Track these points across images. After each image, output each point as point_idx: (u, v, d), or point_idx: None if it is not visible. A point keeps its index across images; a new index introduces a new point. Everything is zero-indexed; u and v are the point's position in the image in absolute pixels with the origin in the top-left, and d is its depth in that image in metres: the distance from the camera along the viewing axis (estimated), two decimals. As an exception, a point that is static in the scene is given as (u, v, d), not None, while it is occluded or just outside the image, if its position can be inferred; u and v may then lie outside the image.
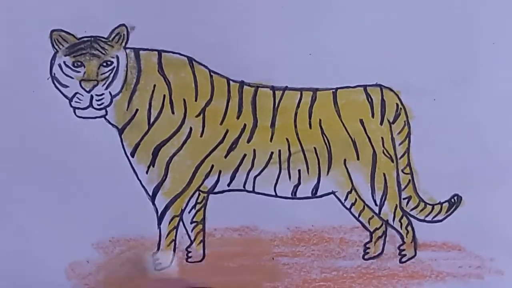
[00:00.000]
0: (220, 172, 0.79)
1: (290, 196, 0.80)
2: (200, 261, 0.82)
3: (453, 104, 0.79)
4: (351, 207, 0.81)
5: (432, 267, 0.83)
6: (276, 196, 0.80)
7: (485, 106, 0.79)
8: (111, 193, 0.79)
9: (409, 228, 0.81)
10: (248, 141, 0.78)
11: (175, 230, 0.81)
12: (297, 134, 0.79)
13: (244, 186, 0.79)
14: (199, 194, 0.80)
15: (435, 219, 0.81)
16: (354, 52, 0.78)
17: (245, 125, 0.78)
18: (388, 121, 0.80)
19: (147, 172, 0.78)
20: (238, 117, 0.78)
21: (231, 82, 0.78)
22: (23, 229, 0.79)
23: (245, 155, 0.79)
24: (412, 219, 0.81)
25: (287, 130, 0.79)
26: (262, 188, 0.80)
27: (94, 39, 0.75)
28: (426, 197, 0.81)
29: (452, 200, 0.81)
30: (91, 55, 0.75)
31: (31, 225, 0.79)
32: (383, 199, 0.80)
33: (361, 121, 0.79)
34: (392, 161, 0.80)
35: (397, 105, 0.79)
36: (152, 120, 0.78)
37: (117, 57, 0.76)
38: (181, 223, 0.81)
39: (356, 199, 0.80)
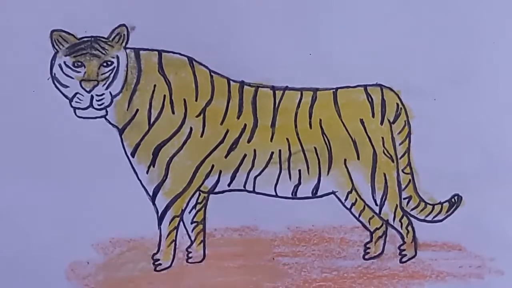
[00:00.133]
0: (220, 172, 0.79)
1: (290, 196, 0.80)
2: (201, 261, 0.81)
3: (453, 104, 0.79)
4: (351, 207, 0.81)
5: (433, 267, 0.83)
6: (276, 196, 0.80)
7: (485, 106, 0.79)
8: (111, 193, 0.79)
9: (410, 228, 0.81)
10: (249, 141, 0.78)
11: (175, 231, 0.80)
12: (297, 134, 0.79)
13: (244, 186, 0.79)
14: (199, 194, 0.80)
15: (436, 219, 0.81)
16: (354, 52, 0.78)
17: (245, 125, 0.78)
18: (389, 121, 0.80)
19: (147, 172, 0.78)
20: (238, 117, 0.78)
21: (231, 82, 0.78)
22: (23, 229, 0.79)
23: (245, 155, 0.79)
24: (412, 219, 0.81)
25: (288, 130, 0.79)
26: (263, 188, 0.80)
27: (94, 39, 0.75)
28: (426, 197, 0.81)
29: (452, 200, 0.81)
30: (91, 55, 0.75)
31: (31, 225, 0.79)
32: (383, 199, 0.80)
33: (362, 121, 0.79)
34: (393, 161, 0.80)
35: (398, 105, 0.79)
36: (152, 120, 0.78)
37: (118, 57, 0.76)
38: (181, 223, 0.81)
39: (356, 199, 0.80)
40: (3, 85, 0.76)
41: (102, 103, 0.76)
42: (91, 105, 0.75)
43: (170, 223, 0.80)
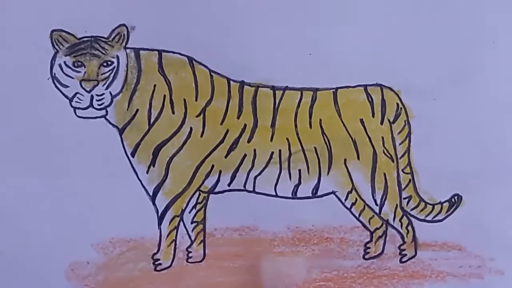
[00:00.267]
0: (220, 172, 0.79)
1: (290, 196, 0.80)
2: (201, 261, 0.81)
3: (453, 104, 0.79)
4: (351, 207, 0.81)
5: (433, 267, 0.83)
6: (276, 196, 0.80)
7: (485, 106, 0.79)
8: (111, 193, 0.79)
9: (410, 227, 0.82)
10: (249, 141, 0.78)
11: (175, 230, 0.80)
12: (297, 134, 0.79)
13: (244, 186, 0.79)
14: (199, 194, 0.80)
15: (436, 219, 0.81)
16: (354, 52, 0.78)
17: (245, 125, 0.78)
18: (389, 120, 0.80)
19: (147, 172, 0.78)
20: (238, 117, 0.78)
21: (231, 82, 0.78)
22: (23, 229, 0.79)
23: (245, 155, 0.79)
24: (412, 219, 0.81)
25: (288, 130, 0.79)
26: (263, 188, 0.80)
27: (94, 39, 0.75)
28: (426, 197, 0.81)
29: (452, 200, 0.81)
30: (91, 55, 0.75)
31: (31, 225, 0.79)
32: (383, 199, 0.81)
33: (362, 121, 0.79)
34: (393, 160, 0.80)
35: (398, 104, 0.79)
36: (152, 120, 0.78)
37: (118, 57, 0.76)
38: (181, 223, 0.81)
39: (356, 199, 0.80)
40: (3, 85, 0.76)
41: (102, 103, 0.76)
42: (91, 105, 0.75)
43: (170, 223, 0.80)
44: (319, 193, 0.80)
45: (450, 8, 0.77)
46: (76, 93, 0.75)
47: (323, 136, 0.79)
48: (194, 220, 0.81)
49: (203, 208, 0.80)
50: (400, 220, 0.81)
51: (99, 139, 0.78)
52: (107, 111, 0.76)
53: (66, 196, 0.79)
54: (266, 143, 0.79)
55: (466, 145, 0.80)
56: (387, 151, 0.80)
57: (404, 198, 0.81)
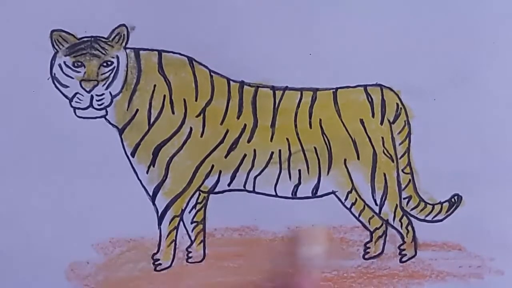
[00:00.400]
0: (220, 172, 0.79)
1: (290, 196, 0.80)
2: (201, 261, 0.81)
3: (453, 104, 0.79)
4: (351, 207, 0.81)
5: (433, 266, 0.83)
6: (276, 196, 0.80)
7: (485, 106, 0.79)
8: (111, 193, 0.79)
9: (409, 227, 0.82)
10: (249, 141, 0.78)
11: (175, 230, 0.81)
12: (297, 134, 0.79)
13: (244, 186, 0.79)
14: (199, 194, 0.80)
15: (435, 219, 0.81)
16: (354, 52, 0.78)
17: (245, 125, 0.78)
18: (388, 121, 0.80)
19: (147, 172, 0.78)
20: (238, 117, 0.78)
21: (231, 82, 0.78)
22: (23, 229, 0.79)
23: (245, 155, 0.79)
24: (412, 218, 0.81)
25: (287, 130, 0.79)
26: (263, 188, 0.80)
27: (94, 39, 0.75)
28: (426, 197, 0.81)
29: (452, 200, 0.81)
30: (91, 55, 0.75)
31: (31, 225, 0.79)
32: (383, 199, 0.81)
33: (361, 121, 0.79)
34: (393, 161, 0.80)
35: (397, 105, 0.79)
36: (152, 120, 0.78)
37: (117, 57, 0.76)
38: (181, 223, 0.81)
39: (356, 199, 0.80)
40: (3, 85, 0.76)
41: (102, 103, 0.76)
42: (91, 105, 0.76)
43: (170, 223, 0.80)
44: (319, 193, 0.80)
45: (450, 8, 0.77)
46: (76, 93, 0.75)
47: (323, 136, 0.79)
48: (194, 220, 0.81)
49: (203, 208, 0.80)
50: (400, 220, 0.81)
51: (99, 139, 0.78)
52: (107, 111, 0.76)
53: (66, 196, 0.79)
54: (266, 143, 0.79)
55: (466, 145, 0.80)
56: (387, 151, 0.80)
57: (404, 198, 0.81)
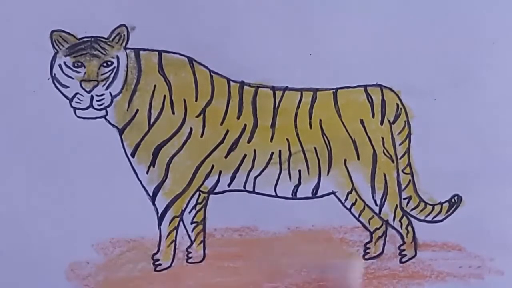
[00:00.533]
0: (220, 172, 0.79)
1: (290, 196, 0.80)
2: (201, 261, 0.81)
3: (453, 104, 0.79)
4: (351, 207, 0.81)
5: (432, 267, 0.83)
6: (276, 196, 0.80)
7: (485, 106, 0.79)
8: (111, 193, 0.79)
9: (409, 228, 0.82)
10: (249, 142, 0.78)
11: (175, 231, 0.80)
12: (297, 134, 0.79)
13: (244, 187, 0.79)
14: (199, 195, 0.80)
15: (435, 219, 0.81)
16: (354, 52, 0.78)
17: (245, 125, 0.78)
18: (389, 121, 0.80)
19: (147, 173, 0.78)
20: (238, 117, 0.78)
21: (231, 82, 0.78)
22: (23, 229, 0.79)
23: (245, 156, 0.79)
24: (412, 219, 0.81)
25: (288, 130, 0.79)
26: (263, 188, 0.80)
27: (94, 40, 0.75)
28: (426, 197, 0.81)
29: (452, 200, 0.81)
30: (91, 55, 0.75)
31: (31, 225, 0.79)
32: (383, 199, 0.81)
33: (362, 121, 0.79)
34: (393, 161, 0.80)
35: (397, 105, 0.79)
36: (152, 120, 0.78)
37: (118, 58, 0.76)
38: (181, 223, 0.81)
39: (356, 199, 0.80)
40: (3, 85, 0.76)
41: (102, 103, 0.76)
42: (91, 105, 0.75)
43: (170, 223, 0.80)
44: (319, 194, 0.80)
45: (450, 8, 0.77)
46: (76, 93, 0.75)
47: (323, 137, 0.79)
48: (194, 220, 0.81)
49: (203, 209, 0.80)
50: (400, 221, 0.81)
51: (99, 139, 0.78)
52: (107, 112, 0.76)
53: (66, 196, 0.79)
54: (266, 143, 0.79)
55: (466, 145, 0.80)
56: (387, 151, 0.80)
57: (404, 199, 0.81)
